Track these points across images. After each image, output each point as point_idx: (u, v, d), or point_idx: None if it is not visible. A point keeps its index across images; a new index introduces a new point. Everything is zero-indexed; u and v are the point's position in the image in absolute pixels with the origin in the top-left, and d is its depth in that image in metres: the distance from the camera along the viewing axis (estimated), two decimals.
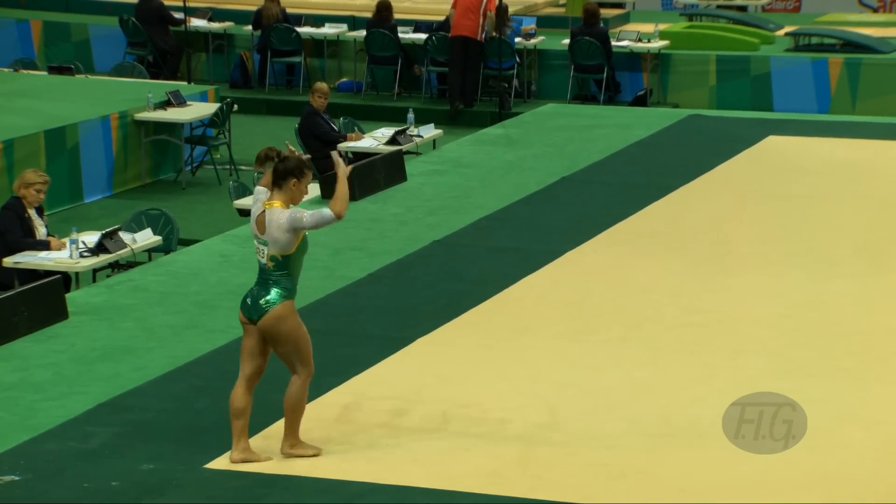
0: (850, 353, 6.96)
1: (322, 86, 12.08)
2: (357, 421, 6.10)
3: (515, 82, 15.95)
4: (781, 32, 16.54)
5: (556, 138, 12.16)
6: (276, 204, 5.53)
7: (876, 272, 8.33)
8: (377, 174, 10.38)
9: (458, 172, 11.03)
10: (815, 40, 15.85)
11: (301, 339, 5.56)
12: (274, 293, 5.51)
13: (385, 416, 6.16)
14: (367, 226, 9.46)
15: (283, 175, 5.54)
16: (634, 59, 15.94)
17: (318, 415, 6.14)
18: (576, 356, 6.97)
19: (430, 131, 12.28)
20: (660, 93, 15.94)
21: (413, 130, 12.12)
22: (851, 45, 15.36)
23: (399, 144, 11.67)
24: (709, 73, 15.69)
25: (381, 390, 6.50)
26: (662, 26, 16.11)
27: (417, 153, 12.06)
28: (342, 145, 11.92)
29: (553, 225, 9.45)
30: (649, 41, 15.75)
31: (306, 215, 5.49)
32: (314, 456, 5.66)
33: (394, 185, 10.43)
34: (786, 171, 10.97)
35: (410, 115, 12.41)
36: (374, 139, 12.00)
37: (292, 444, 5.65)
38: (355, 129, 12.47)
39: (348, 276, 8.32)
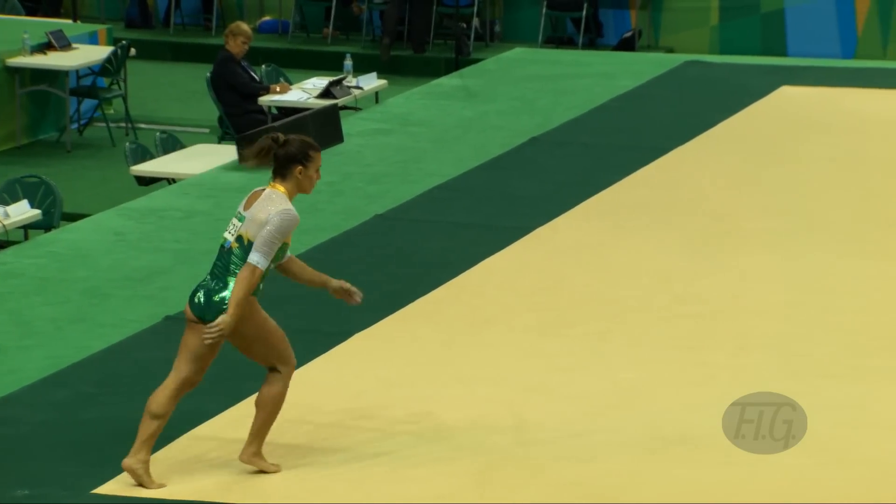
0: (878, 350, 7.04)
1: (241, 26, 12.04)
2: (280, 435, 6.10)
3: (476, 22, 15.96)
4: None
5: (525, 90, 12.19)
6: (280, 189, 5.65)
7: None
8: (307, 134, 10.34)
9: (406, 132, 11.04)
10: None
11: (271, 334, 5.68)
12: (232, 287, 5.56)
13: (315, 428, 6.17)
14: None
15: (285, 163, 5.64)
16: None
17: (233, 427, 6.13)
18: (547, 354, 7.00)
19: (371, 82, 12.28)
20: (651, 34, 16.01)
21: (351, 81, 12.12)
22: None
23: (334, 98, 11.67)
24: (710, 11, 15.78)
25: (310, 397, 6.50)
26: None
27: (356, 108, 12.06)
28: (264, 99, 11.91)
29: (521, 195, 9.48)
30: None
31: (275, 238, 5.53)
32: (274, 472, 5.74)
33: (327, 148, 10.41)
34: (802, 129, 11.05)
35: (348, 63, 12.41)
36: (304, 91, 11.99)
37: (255, 451, 5.74)
38: (280, 79, 12.44)
39: None
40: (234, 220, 5.63)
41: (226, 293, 5.55)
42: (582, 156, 10.35)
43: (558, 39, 15.99)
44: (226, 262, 5.59)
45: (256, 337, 5.65)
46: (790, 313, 7.49)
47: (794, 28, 15.48)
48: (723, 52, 15.29)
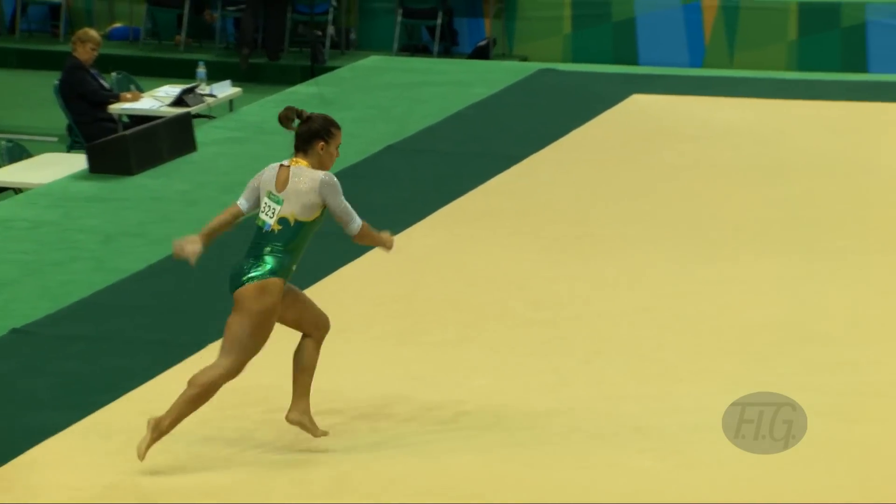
0: (727, 353, 7.18)
1: (90, 33, 11.88)
2: (131, 445, 6.02)
3: (331, 30, 15.95)
4: None
5: (381, 98, 12.21)
6: (303, 163, 5.81)
7: (758, 255, 8.61)
8: (160, 143, 10.27)
9: (261, 140, 10.98)
10: None
11: (261, 328, 5.75)
12: (266, 267, 5.71)
13: (167, 439, 6.10)
14: (146, 206, 9.34)
15: (308, 138, 5.82)
16: (475, 2, 16.10)
17: (83, 437, 6.04)
18: (403, 362, 7.02)
19: (225, 90, 12.20)
20: (505, 43, 16.14)
21: (204, 89, 12.03)
22: None
23: (187, 106, 11.57)
24: (563, 20, 15.96)
25: (163, 408, 6.43)
26: None
27: (210, 117, 11.97)
28: (114, 107, 11.76)
29: (376, 203, 9.50)
30: None
31: (344, 200, 5.78)
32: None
33: (180, 156, 10.32)
34: (652, 136, 11.24)
35: (201, 70, 12.31)
36: (156, 99, 11.86)
37: (166, 427, 5.78)
38: (131, 86, 12.29)
39: (123, 268, 8.21)
40: (268, 202, 5.76)
41: (258, 272, 5.68)
42: (437, 164, 10.40)
43: (413, 47, 16.05)
44: (263, 243, 5.75)
45: (252, 318, 5.69)
46: (641, 318, 7.61)
47: (645, 37, 15.73)
48: (576, 60, 15.49)
